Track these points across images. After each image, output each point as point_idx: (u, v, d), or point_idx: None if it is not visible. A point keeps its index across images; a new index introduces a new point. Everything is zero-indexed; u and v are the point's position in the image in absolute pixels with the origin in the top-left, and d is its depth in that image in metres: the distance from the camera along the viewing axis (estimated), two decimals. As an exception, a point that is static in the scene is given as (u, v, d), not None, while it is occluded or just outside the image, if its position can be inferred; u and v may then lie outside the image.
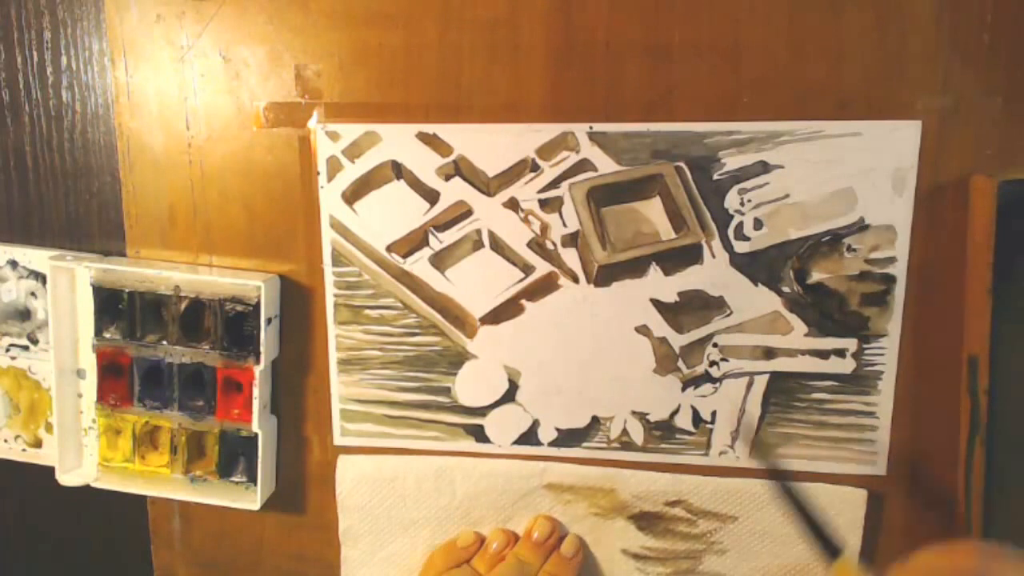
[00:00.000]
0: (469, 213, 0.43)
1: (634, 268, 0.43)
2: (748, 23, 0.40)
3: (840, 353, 0.42)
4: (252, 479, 0.46)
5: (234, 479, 0.47)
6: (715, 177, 0.41)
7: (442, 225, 0.44)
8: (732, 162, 0.41)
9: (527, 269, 0.43)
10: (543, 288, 0.44)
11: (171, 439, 0.47)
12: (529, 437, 0.45)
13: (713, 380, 0.43)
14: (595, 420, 0.45)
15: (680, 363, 0.43)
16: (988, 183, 0.38)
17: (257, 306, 0.44)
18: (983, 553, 0.30)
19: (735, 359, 0.43)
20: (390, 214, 0.44)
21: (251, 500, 0.46)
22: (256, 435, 0.45)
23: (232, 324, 0.44)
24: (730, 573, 0.45)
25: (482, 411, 0.45)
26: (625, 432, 0.44)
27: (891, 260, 0.41)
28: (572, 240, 0.43)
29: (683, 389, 0.44)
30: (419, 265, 0.44)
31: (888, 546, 0.44)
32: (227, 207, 0.46)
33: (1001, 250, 0.38)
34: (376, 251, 0.45)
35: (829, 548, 0.35)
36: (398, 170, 0.43)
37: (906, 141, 0.40)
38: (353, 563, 0.48)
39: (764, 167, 0.41)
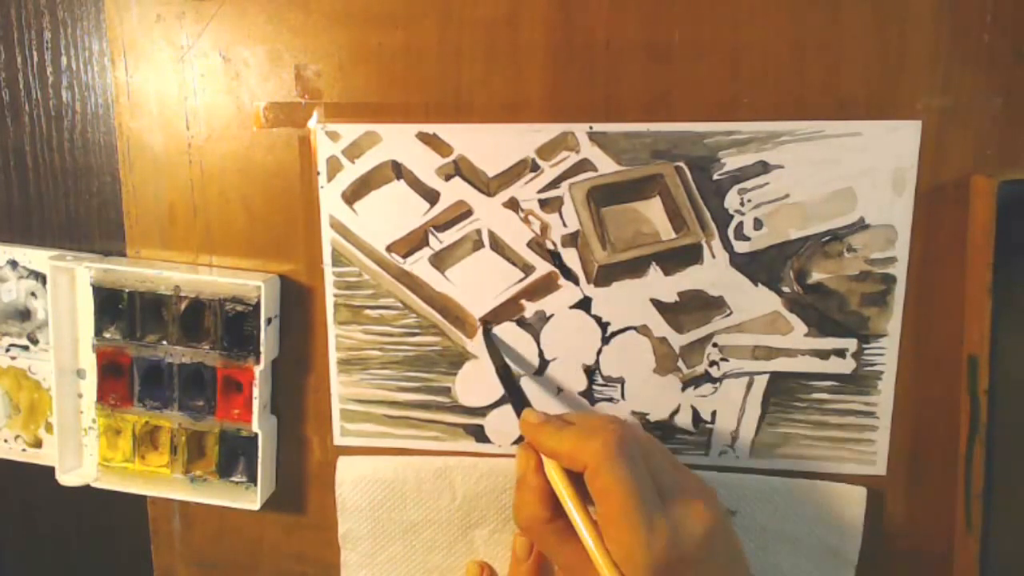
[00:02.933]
0: (469, 213, 0.43)
1: (634, 268, 0.43)
2: (748, 23, 0.40)
3: (840, 353, 0.42)
4: (252, 479, 0.46)
5: (234, 479, 0.47)
6: (715, 177, 0.41)
7: (442, 225, 0.44)
8: (732, 162, 0.41)
9: (527, 269, 0.43)
10: (543, 288, 0.44)
11: (171, 439, 0.47)
12: (529, 437, 0.45)
13: (713, 380, 0.43)
14: (595, 420, 0.45)
15: (680, 363, 0.43)
16: (988, 183, 0.38)
17: (257, 306, 0.44)
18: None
19: (735, 359, 0.43)
20: (390, 214, 0.44)
21: (251, 500, 0.46)
22: (256, 435, 0.45)
23: (232, 324, 0.44)
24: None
25: (482, 411, 0.45)
26: (625, 432, 0.44)
27: (891, 260, 0.41)
28: (572, 240, 0.43)
29: (683, 389, 0.44)
30: (419, 265, 0.44)
31: (888, 546, 0.44)
32: (227, 207, 0.46)
33: (1001, 250, 0.38)
34: (376, 251, 0.45)
35: (518, 401, 0.40)
36: (398, 170, 0.43)
37: (906, 141, 0.40)
38: (353, 566, 0.48)
39: (764, 167, 0.41)
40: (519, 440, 0.45)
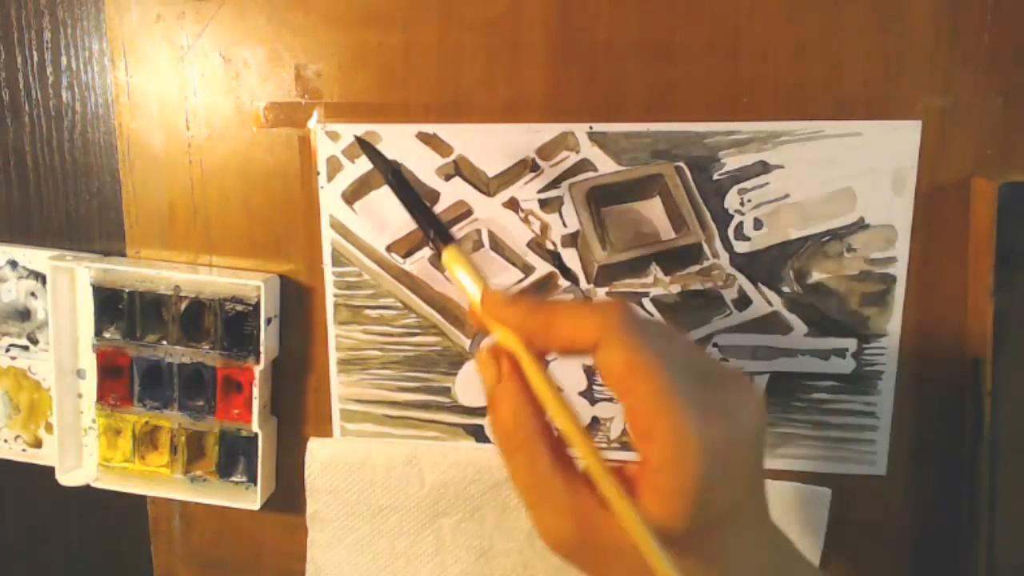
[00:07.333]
0: (469, 213, 0.43)
1: (634, 268, 0.43)
2: (748, 23, 0.40)
3: (840, 353, 0.42)
4: (252, 479, 0.46)
5: (234, 479, 0.47)
6: (715, 177, 0.41)
7: (442, 225, 0.44)
8: (732, 162, 0.41)
9: (527, 269, 0.43)
10: (543, 288, 0.44)
11: (171, 439, 0.47)
12: (529, 437, 0.45)
13: (713, 380, 0.43)
14: (595, 420, 0.45)
15: (680, 363, 0.43)
16: (988, 186, 0.38)
17: (257, 306, 0.44)
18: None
19: (735, 359, 0.43)
20: (390, 214, 0.44)
21: (251, 500, 0.46)
22: (256, 435, 0.45)
23: (232, 324, 0.44)
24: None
25: (482, 411, 0.45)
26: (625, 432, 0.44)
27: (891, 260, 0.41)
28: (572, 240, 0.43)
29: (683, 389, 0.44)
30: (419, 265, 0.44)
31: (888, 546, 0.44)
32: (227, 207, 0.46)
33: (1002, 252, 0.38)
34: (376, 251, 0.45)
35: (441, 234, 0.32)
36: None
37: (906, 141, 0.40)
38: (320, 547, 0.47)
39: (764, 167, 0.41)
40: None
